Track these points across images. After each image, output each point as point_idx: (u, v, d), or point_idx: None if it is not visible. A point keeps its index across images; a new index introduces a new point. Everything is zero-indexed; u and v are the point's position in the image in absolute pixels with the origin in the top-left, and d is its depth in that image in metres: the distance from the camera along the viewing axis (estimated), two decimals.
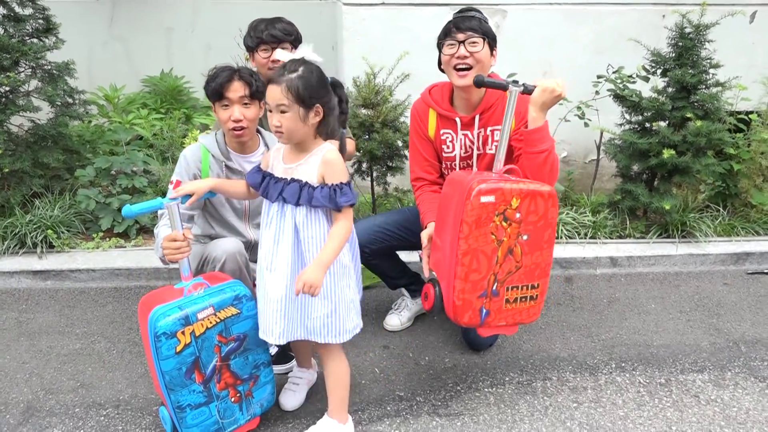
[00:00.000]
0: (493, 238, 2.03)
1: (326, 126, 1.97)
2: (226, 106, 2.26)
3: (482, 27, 2.27)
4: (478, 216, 1.99)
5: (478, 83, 2.22)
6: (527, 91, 2.12)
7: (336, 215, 1.96)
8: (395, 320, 2.88)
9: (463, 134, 2.44)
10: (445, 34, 2.30)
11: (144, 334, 1.99)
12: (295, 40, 2.69)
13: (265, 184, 2.03)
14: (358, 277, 2.13)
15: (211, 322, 1.99)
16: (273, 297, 1.99)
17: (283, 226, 1.98)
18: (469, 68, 2.27)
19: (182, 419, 2.01)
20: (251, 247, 2.48)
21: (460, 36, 2.25)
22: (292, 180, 1.96)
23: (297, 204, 1.94)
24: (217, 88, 2.22)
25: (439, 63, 2.39)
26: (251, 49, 2.71)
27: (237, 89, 2.23)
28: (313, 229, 1.95)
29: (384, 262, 2.73)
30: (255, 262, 2.14)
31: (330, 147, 1.97)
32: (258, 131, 2.45)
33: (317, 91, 1.90)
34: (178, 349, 1.94)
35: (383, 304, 3.10)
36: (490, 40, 2.29)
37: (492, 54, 2.32)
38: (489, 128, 2.42)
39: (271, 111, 1.91)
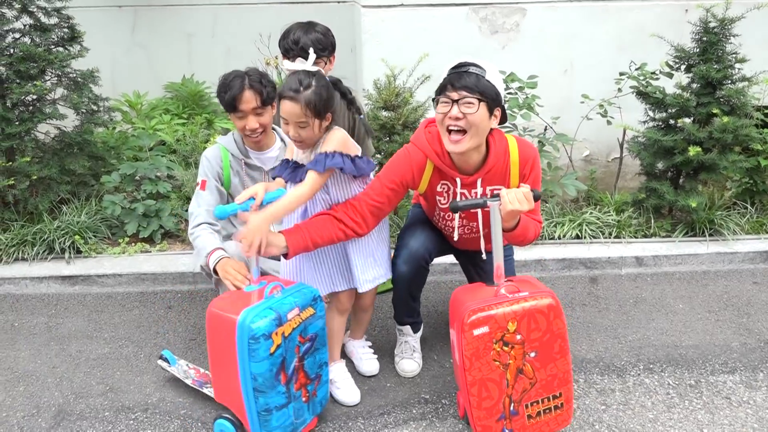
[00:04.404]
0: (498, 364, 2.00)
1: (333, 124, 2.22)
2: (241, 116, 2.33)
3: (479, 85, 2.01)
4: (475, 349, 1.98)
5: (453, 209, 2.08)
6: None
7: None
8: (412, 365, 2.59)
9: (462, 192, 2.25)
10: (440, 90, 2.08)
11: (223, 341, 1.96)
12: (329, 52, 2.70)
13: (290, 170, 2.23)
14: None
15: (295, 323, 2.03)
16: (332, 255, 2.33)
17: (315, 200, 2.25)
18: (463, 131, 2.05)
19: (267, 422, 2.01)
20: None
21: (454, 95, 2.02)
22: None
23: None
24: (230, 101, 2.31)
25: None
26: (284, 56, 2.72)
27: (249, 100, 2.30)
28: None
29: (425, 277, 2.51)
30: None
31: (336, 128, 2.24)
32: (273, 128, 2.52)
33: (328, 101, 2.12)
34: (272, 350, 1.95)
35: None
36: (489, 100, 2.03)
37: (493, 115, 2.08)
38: (488, 188, 2.23)
39: (287, 123, 2.11)
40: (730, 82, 3.56)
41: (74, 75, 3.74)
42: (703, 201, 3.60)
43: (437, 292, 3.27)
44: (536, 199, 2.03)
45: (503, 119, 2.17)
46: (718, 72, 3.46)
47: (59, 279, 3.34)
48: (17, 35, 3.60)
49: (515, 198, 1.99)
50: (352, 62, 4.54)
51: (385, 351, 2.71)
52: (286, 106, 2.08)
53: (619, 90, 3.81)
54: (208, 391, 2.36)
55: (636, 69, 3.75)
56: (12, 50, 3.54)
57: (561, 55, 4.15)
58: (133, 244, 3.60)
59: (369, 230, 2.25)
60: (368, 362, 2.58)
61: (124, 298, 3.27)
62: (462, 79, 2.02)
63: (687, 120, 3.59)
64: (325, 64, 2.68)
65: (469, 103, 2.01)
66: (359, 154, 2.25)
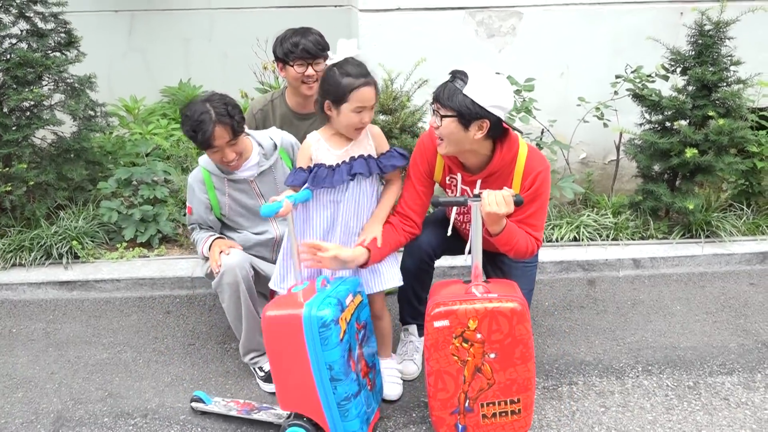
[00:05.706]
0: (456, 359, 2.04)
1: None
2: (216, 151, 2.33)
3: (450, 101, 2.03)
4: (435, 340, 2.03)
5: (434, 203, 2.21)
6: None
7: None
8: (412, 368, 2.59)
9: (463, 188, 2.31)
10: None
11: (288, 341, 1.97)
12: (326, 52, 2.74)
13: (319, 174, 2.19)
14: None
15: (351, 309, 2.06)
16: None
17: (358, 198, 2.28)
18: (441, 138, 2.13)
19: (347, 412, 2.02)
20: (277, 243, 2.54)
21: (433, 105, 2.11)
22: (353, 158, 2.21)
23: (370, 174, 2.24)
24: (204, 142, 2.29)
25: None
26: (282, 61, 2.73)
27: (221, 136, 2.28)
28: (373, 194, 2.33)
29: (430, 276, 2.53)
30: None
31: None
32: (247, 133, 2.50)
33: None
34: (341, 336, 1.97)
35: None
36: (458, 115, 2.03)
37: (475, 127, 2.06)
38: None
39: (360, 111, 2.11)
40: (725, 84, 3.58)
41: (71, 80, 3.73)
42: (699, 203, 3.62)
43: None
44: (517, 204, 2.04)
45: (498, 129, 2.12)
46: (713, 74, 3.48)
47: (57, 284, 3.33)
48: (14, 41, 3.60)
49: (494, 200, 2.00)
50: None
51: None
52: (367, 93, 2.09)
53: (615, 93, 3.82)
54: (259, 416, 2.28)
55: (632, 72, 3.77)
56: (9, 56, 3.52)
57: (557, 58, 4.16)
58: (131, 249, 3.60)
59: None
60: (390, 386, 2.44)
61: (123, 303, 3.26)
62: (440, 91, 2.09)
63: (683, 122, 3.60)
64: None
65: (440, 115, 2.08)
66: None
